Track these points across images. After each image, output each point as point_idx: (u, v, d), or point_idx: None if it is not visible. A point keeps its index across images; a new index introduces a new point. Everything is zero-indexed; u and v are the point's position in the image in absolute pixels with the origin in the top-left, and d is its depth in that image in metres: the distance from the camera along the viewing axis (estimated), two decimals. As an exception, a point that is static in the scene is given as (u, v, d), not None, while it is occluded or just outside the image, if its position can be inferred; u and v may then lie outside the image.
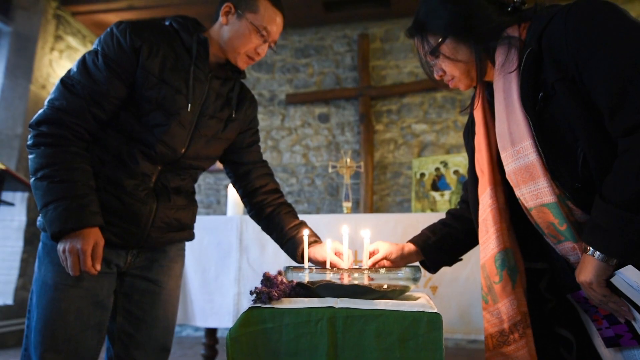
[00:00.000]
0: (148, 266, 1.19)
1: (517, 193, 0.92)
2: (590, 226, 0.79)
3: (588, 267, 0.79)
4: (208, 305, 1.94)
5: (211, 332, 2.06)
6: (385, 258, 1.14)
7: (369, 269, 1.08)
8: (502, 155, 0.93)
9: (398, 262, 1.15)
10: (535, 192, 0.87)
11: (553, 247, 0.92)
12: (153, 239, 1.15)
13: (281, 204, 1.34)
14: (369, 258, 1.15)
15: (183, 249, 1.31)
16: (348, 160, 2.31)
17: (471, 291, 1.82)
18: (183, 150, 1.14)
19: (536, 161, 0.85)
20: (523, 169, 0.88)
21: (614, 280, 0.78)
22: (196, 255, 2.02)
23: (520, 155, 0.88)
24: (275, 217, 1.31)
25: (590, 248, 0.78)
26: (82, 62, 1.06)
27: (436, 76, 1.02)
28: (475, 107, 1.04)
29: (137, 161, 1.09)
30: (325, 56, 4.27)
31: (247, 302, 1.90)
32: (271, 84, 4.32)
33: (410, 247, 1.17)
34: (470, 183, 1.09)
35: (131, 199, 1.09)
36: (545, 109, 0.84)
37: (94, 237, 1.00)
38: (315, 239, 1.26)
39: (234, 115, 1.24)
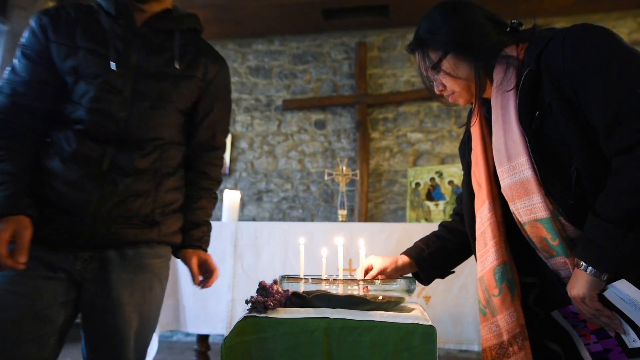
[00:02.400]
0: (104, 278, 1.01)
1: (512, 207, 0.94)
2: (583, 242, 0.81)
3: (580, 281, 0.80)
4: (201, 311, 1.94)
5: (203, 339, 2.05)
6: (380, 273, 1.15)
7: (364, 280, 1.08)
8: (498, 170, 0.95)
9: (393, 274, 1.16)
10: (530, 207, 0.89)
11: (545, 262, 0.94)
12: (100, 236, 0.99)
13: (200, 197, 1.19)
14: (364, 275, 1.16)
15: (161, 257, 1.10)
16: (344, 168, 2.32)
17: (464, 301, 1.83)
18: (124, 117, 1.01)
19: (531, 177, 0.87)
20: (518, 184, 0.90)
21: (606, 294, 0.79)
22: (190, 261, 2.01)
23: (516, 170, 0.90)
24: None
25: (583, 263, 0.80)
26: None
27: (436, 91, 1.04)
28: (472, 123, 1.06)
29: (75, 142, 0.98)
30: (323, 63, 4.30)
31: (241, 309, 1.90)
32: (268, 89, 4.33)
33: (404, 259, 1.18)
34: (465, 197, 1.11)
35: (65, 186, 0.97)
36: (541, 127, 0.86)
37: (14, 225, 0.89)
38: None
39: (177, 66, 1.08)
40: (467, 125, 1.10)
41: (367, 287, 1.02)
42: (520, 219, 0.93)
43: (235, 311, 1.90)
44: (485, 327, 1.01)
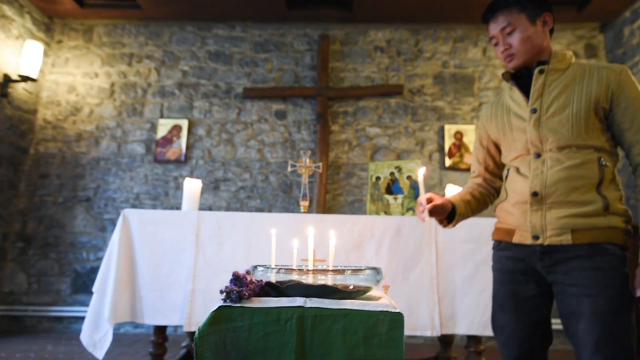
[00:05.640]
0: None
1: None
2: None
3: None
4: (159, 302, 1.89)
5: (160, 330, 2.01)
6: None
7: (334, 271, 1.12)
8: None
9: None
10: None
11: None
12: None
13: None
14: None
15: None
16: (307, 160, 2.35)
17: (419, 290, 1.93)
18: None
19: None
20: None
21: None
22: (148, 250, 1.95)
23: None
24: None
25: None
26: None
27: None
28: None
29: None
30: (285, 53, 4.27)
31: (201, 300, 1.88)
32: (228, 76, 4.24)
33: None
34: None
35: None
36: None
37: None
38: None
39: None
40: None
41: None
42: None
43: (195, 302, 1.87)
44: None
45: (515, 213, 1.26)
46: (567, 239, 1.14)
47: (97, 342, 1.82)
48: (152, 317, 1.89)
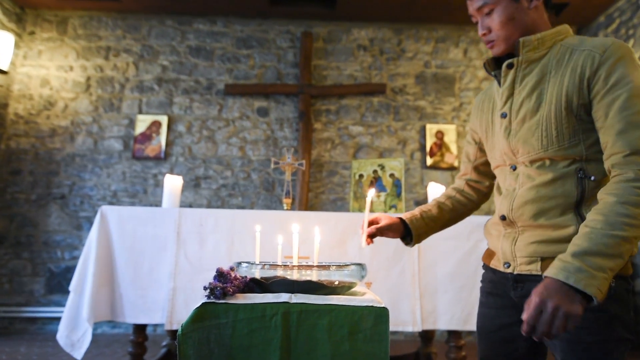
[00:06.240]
0: None
1: None
2: None
3: None
4: (140, 300, 1.85)
5: (140, 329, 1.96)
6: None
7: (318, 266, 1.12)
8: None
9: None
10: None
11: None
12: None
13: None
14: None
15: None
16: (291, 157, 2.34)
17: (401, 286, 1.96)
18: None
19: None
20: None
21: None
22: (128, 248, 1.91)
23: None
24: None
25: None
26: None
27: None
28: None
29: None
30: (267, 49, 4.24)
31: (183, 298, 1.85)
32: (209, 72, 4.18)
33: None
34: None
35: None
36: None
37: None
38: None
39: None
40: None
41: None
42: None
43: (177, 300, 1.84)
44: None
45: (493, 234, 1.09)
46: (535, 268, 0.95)
47: (75, 342, 1.77)
48: (132, 316, 1.85)
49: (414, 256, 1.97)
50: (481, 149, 1.20)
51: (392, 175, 2.37)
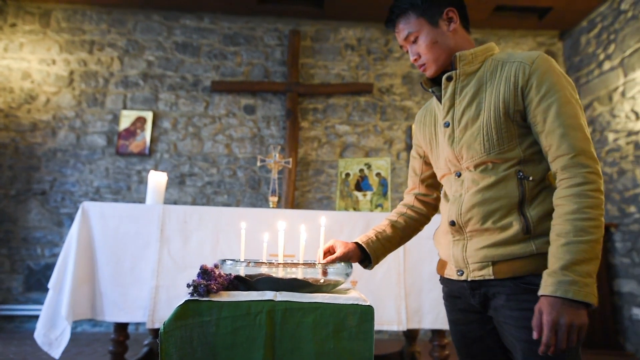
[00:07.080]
0: None
1: None
2: None
3: None
4: (120, 298, 1.81)
5: (122, 327, 1.93)
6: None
7: (304, 264, 1.11)
8: None
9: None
10: None
11: None
12: None
13: None
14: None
15: None
16: (277, 155, 2.33)
17: (386, 285, 1.96)
18: None
19: None
20: None
21: None
22: (110, 245, 1.87)
23: None
24: None
25: None
26: None
27: None
28: None
29: None
30: (255, 47, 4.21)
31: (165, 296, 1.82)
32: (196, 68, 4.13)
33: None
34: None
35: None
36: None
37: None
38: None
39: None
40: None
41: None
42: None
43: (160, 298, 1.81)
44: None
45: (443, 243, 1.11)
46: (488, 273, 0.98)
47: (53, 340, 1.73)
48: (113, 314, 1.82)
49: (399, 255, 1.98)
50: (426, 162, 1.25)
51: (378, 174, 2.37)
